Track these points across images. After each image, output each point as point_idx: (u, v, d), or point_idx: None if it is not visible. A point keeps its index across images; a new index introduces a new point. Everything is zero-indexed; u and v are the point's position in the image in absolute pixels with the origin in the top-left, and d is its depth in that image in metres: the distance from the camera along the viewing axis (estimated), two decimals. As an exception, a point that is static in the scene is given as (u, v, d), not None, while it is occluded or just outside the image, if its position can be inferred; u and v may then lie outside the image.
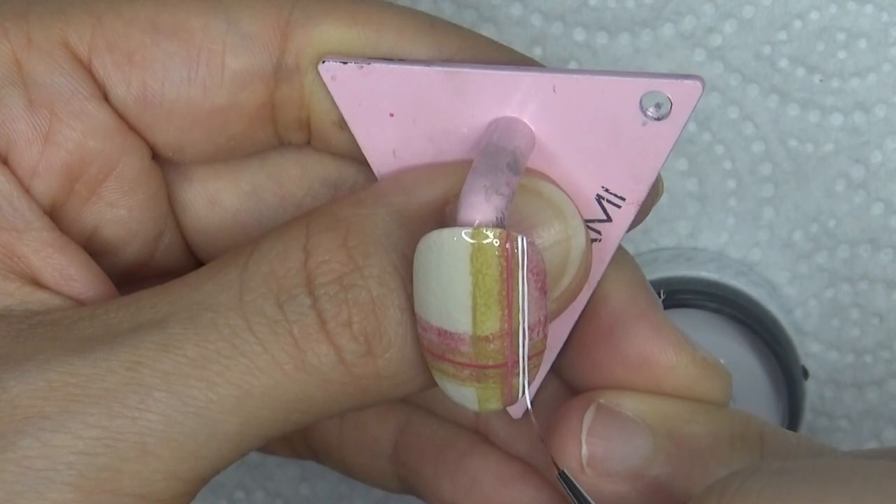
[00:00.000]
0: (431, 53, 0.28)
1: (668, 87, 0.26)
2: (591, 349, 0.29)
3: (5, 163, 0.28)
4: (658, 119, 0.27)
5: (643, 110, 0.27)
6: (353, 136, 0.28)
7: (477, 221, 0.25)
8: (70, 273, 0.28)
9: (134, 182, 0.29)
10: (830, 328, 0.46)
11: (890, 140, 0.44)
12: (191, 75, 0.28)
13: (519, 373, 0.26)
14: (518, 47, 0.42)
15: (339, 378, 0.26)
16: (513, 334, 0.25)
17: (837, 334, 0.46)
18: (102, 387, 0.25)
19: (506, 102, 0.27)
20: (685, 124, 0.27)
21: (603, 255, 0.28)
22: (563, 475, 0.28)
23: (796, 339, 0.44)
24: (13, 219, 0.28)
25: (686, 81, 0.26)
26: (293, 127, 0.29)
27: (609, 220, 0.28)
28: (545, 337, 0.26)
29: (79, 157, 0.28)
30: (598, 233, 0.28)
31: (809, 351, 0.46)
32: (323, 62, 0.28)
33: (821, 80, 0.44)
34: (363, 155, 0.29)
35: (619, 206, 0.28)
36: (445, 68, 0.27)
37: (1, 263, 0.28)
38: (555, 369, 0.30)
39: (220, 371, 0.26)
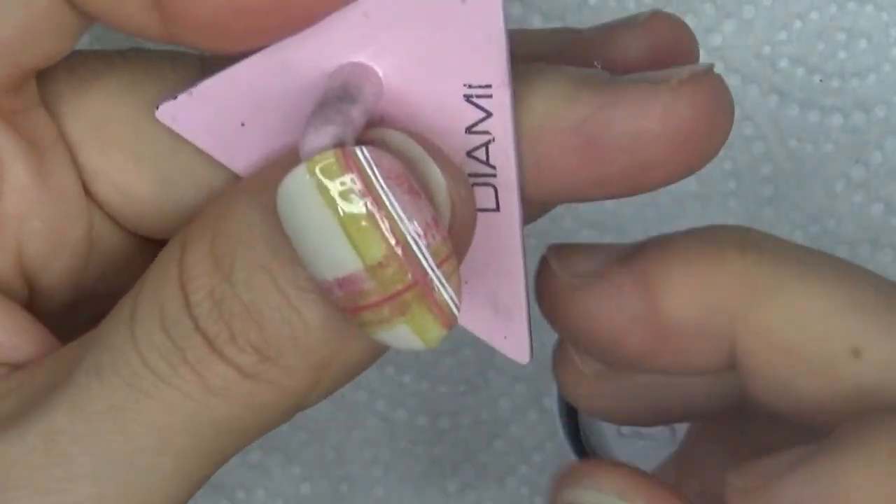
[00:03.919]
0: None
1: None
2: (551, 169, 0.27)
3: None
4: None
5: None
6: None
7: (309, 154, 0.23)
8: (9, 341, 0.27)
9: (31, 187, 0.28)
10: (831, 328, 0.46)
11: (890, 140, 0.44)
12: None
13: (437, 286, 0.24)
14: (518, 47, 0.42)
15: (252, 390, 0.25)
16: (405, 247, 0.23)
17: (838, 334, 0.46)
18: (25, 467, 0.25)
19: (332, 55, 0.26)
20: None
21: (503, 145, 0.26)
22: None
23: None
24: None
25: None
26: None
27: (489, 113, 0.26)
28: (445, 238, 0.24)
29: None
30: (488, 133, 0.26)
31: (810, 351, 0.46)
32: (157, 108, 0.26)
33: (821, 81, 0.44)
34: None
35: (491, 96, 0.25)
36: (258, 53, 0.26)
37: None
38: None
39: (133, 418, 0.25)
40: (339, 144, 0.23)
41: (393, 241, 0.23)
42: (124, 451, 0.25)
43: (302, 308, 0.25)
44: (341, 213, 0.23)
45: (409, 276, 0.23)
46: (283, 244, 0.24)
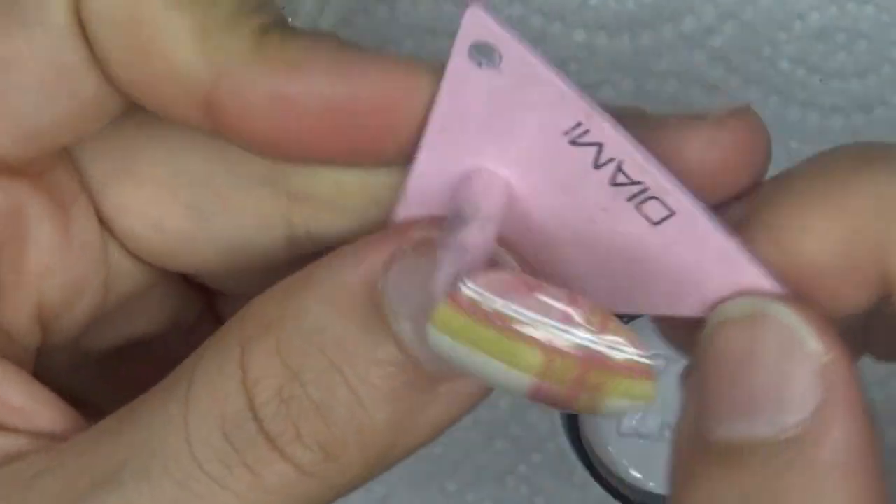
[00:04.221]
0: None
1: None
2: None
3: None
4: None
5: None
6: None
7: (435, 298, 0.24)
8: (29, 407, 0.27)
9: (53, 241, 0.28)
10: (830, 328, 0.46)
11: (890, 140, 0.44)
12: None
13: (610, 352, 0.24)
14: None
15: (308, 487, 0.25)
16: (553, 338, 0.24)
17: (837, 334, 0.46)
18: None
19: (455, 161, 0.26)
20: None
21: (631, 160, 0.26)
22: None
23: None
24: None
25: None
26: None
27: (600, 144, 0.26)
28: (593, 306, 0.24)
29: None
30: (612, 159, 0.26)
31: (809, 351, 0.46)
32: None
33: (821, 81, 0.44)
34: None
35: (589, 130, 0.26)
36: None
37: None
38: None
39: None
40: (451, 279, 0.24)
41: (541, 341, 0.24)
42: None
43: (370, 406, 0.25)
44: (483, 347, 0.24)
45: (575, 359, 0.24)
46: (353, 345, 0.25)
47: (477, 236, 0.25)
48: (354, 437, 0.25)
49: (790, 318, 0.25)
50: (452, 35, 0.26)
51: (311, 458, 0.25)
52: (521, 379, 0.24)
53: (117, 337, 0.30)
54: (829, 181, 0.26)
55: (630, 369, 0.24)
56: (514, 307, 0.24)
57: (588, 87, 0.44)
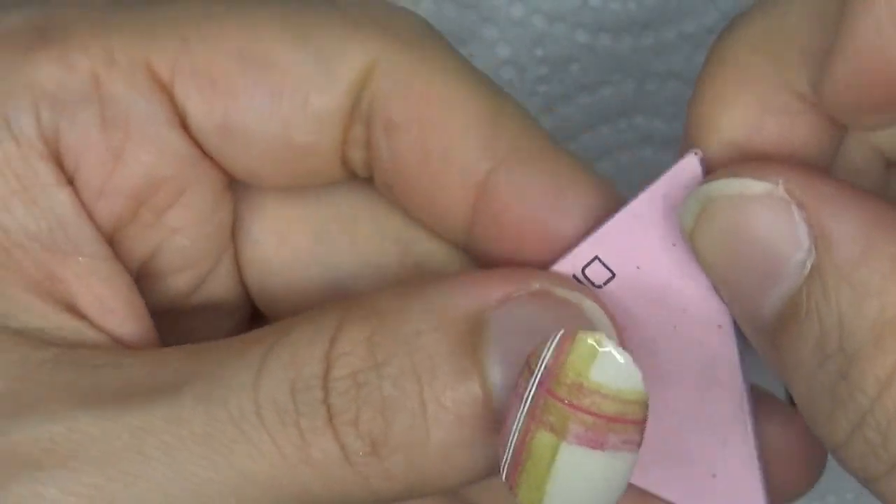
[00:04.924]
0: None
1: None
2: None
3: (72, 182, 0.28)
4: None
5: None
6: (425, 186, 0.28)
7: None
8: (111, 306, 0.28)
9: (202, 211, 0.29)
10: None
11: (891, 141, 0.44)
12: (273, 109, 0.28)
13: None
14: (519, 48, 0.42)
15: (344, 476, 0.26)
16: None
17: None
18: (104, 449, 0.25)
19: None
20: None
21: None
22: None
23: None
24: (62, 242, 0.27)
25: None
26: (359, 165, 0.29)
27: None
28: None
29: (149, 180, 0.28)
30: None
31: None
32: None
33: (822, 82, 0.44)
34: (429, 216, 0.28)
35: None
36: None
37: (41, 285, 0.27)
38: None
39: (223, 452, 0.25)
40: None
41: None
42: (199, 476, 0.25)
43: (432, 424, 0.26)
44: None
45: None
46: (440, 361, 0.26)
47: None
48: (405, 446, 0.26)
49: None
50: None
51: (358, 446, 0.26)
52: None
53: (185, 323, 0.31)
54: None
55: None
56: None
57: (589, 88, 0.44)
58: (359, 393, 0.26)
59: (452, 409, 0.26)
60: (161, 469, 0.25)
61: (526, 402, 0.25)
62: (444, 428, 0.26)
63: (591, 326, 0.26)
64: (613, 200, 0.27)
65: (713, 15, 0.43)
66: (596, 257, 0.27)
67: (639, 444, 0.24)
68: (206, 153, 0.28)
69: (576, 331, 0.24)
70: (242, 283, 0.31)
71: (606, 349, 0.24)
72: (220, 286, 0.31)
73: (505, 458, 0.25)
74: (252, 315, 0.32)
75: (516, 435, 0.25)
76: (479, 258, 0.29)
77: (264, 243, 0.30)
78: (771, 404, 0.29)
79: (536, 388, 0.24)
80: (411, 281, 0.27)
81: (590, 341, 0.24)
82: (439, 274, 0.29)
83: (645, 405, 0.24)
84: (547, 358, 0.24)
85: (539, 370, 0.24)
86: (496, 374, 0.26)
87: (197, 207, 0.29)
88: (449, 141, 0.27)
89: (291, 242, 0.30)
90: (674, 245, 0.26)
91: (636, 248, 0.26)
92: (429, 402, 0.26)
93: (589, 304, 0.27)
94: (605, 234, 0.27)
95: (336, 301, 0.27)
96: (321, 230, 0.30)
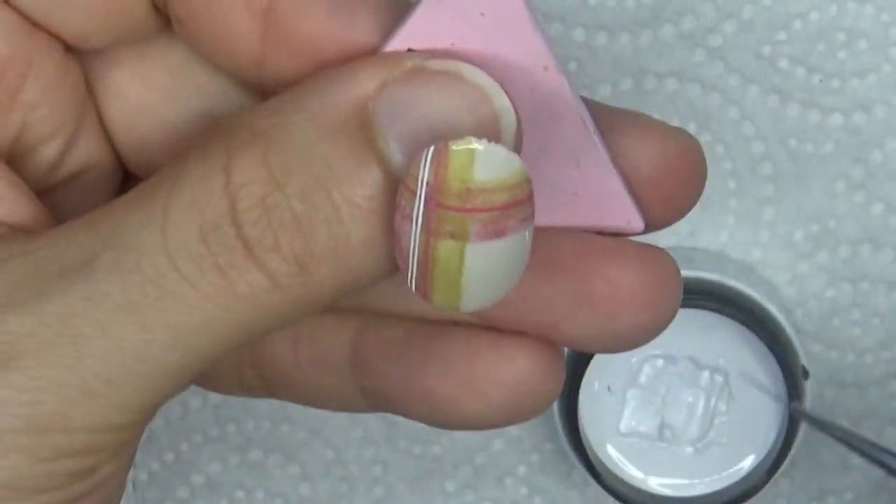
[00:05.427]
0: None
1: None
2: None
3: None
4: None
5: None
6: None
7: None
8: (5, 195, 0.27)
9: (52, 79, 0.28)
10: (831, 328, 0.46)
11: (890, 140, 0.44)
12: None
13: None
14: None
15: (277, 300, 0.26)
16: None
17: (838, 334, 0.46)
18: (37, 340, 0.25)
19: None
20: None
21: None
22: None
23: (796, 339, 0.44)
24: None
25: None
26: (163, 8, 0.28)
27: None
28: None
29: None
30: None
31: (810, 351, 0.46)
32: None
33: (821, 81, 0.44)
34: (219, 54, 0.28)
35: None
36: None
37: None
38: None
39: (151, 314, 0.25)
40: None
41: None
42: (136, 342, 0.25)
43: (350, 224, 0.26)
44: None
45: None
46: (340, 164, 0.25)
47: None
48: (330, 254, 0.26)
49: None
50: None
51: (285, 269, 0.25)
52: None
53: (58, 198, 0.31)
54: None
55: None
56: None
57: (588, 87, 0.44)
58: (271, 218, 0.25)
59: (365, 204, 0.25)
60: (98, 344, 0.25)
61: (416, 220, 0.25)
62: (362, 223, 0.26)
63: (474, 89, 0.26)
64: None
65: (711, 13, 0.43)
66: (408, 50, 0.27)
67: (533, 215, 0.25)
68: (36, 24, 0.28)
69: (447, 144, 0.25)
70: (111, 142, 0.31)
71: (481, 147, 0.24)
72: (90, 148, 0.30)
73: (410, 272, 0.25)
74: (124, 181, 0.32)
75: (418, 250, 0.25)
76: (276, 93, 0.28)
77: (126, 90, 0.30)
78: (624, 117, 0.28)
79: (424, 206, 0.25)
80: (281, 93, 0.27)
81: (464, 147, 0.25)
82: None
83: (529, 179, 0.25)
84: (426, 175, 0.25)
85: (421, 188, 0.25)
86: (398, 158, 0.26)
87: (47, 77, 0.28)
88: None
89: (150, 82, 0.30)
90: (482, 14, 0.26)
91: (445, 30, 0.27)
92: (341, 205, 0.26)
93: (465, 67, 0.26)
94: (412, 26, 0.27)
95: (209, 131, 0.27)
96: (176, 67, 0.30)
